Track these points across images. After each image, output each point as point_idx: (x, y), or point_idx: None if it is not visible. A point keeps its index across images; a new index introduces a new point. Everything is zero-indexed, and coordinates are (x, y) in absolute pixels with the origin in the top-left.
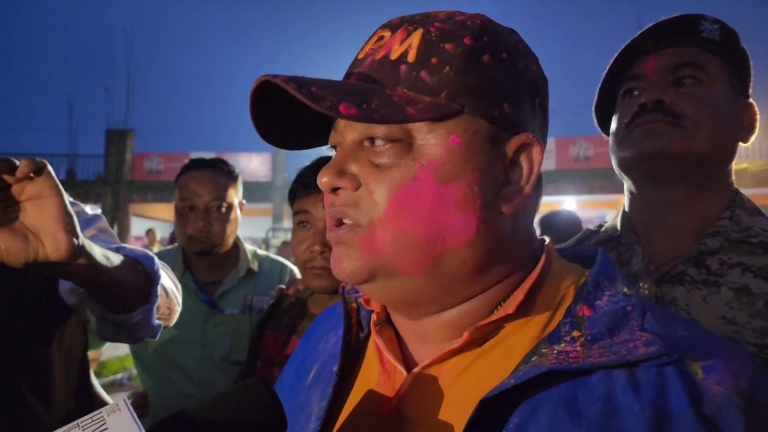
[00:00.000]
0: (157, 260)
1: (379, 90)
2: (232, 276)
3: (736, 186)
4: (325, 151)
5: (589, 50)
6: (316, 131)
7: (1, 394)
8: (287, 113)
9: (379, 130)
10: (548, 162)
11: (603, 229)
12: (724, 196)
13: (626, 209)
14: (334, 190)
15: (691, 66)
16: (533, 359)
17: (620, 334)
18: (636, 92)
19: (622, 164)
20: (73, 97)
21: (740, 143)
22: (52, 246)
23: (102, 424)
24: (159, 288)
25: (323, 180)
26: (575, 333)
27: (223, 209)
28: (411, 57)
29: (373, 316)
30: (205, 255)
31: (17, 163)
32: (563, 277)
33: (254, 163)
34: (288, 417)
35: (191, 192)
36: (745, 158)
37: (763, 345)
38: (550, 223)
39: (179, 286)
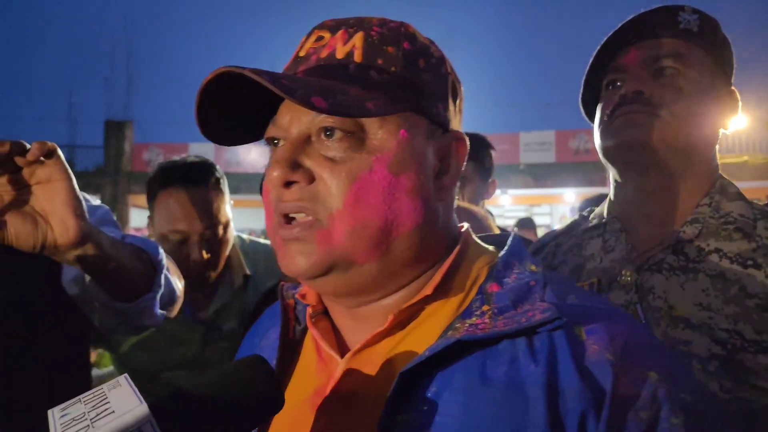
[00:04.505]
0: (161, 250)
1: (339, 86)
2: (225, 288)
3: (732, 177)
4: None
5: (589, 42)
6: (243, 128)
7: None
8: (224, 109)
9: (334, 123)
10: (548, 154)
11: (591, 216)
12: (706, 183)
13: (611, 198)
14: (287, 184)
15: (671, 57)
16: (448, 334)
17: (523, 306)
18: (618, 83)
19: (605, 154)
20: (72, 87)
21: (741, 138)
22: (61, 230)
23: (103, 399)
24: (163, 277)
25: (274, 174)
26: (484, 307)
27: (220, 233)
28: (357, 57)
29: (309, 309)
30: (202, 282)
31: (28, 146)
32: (477, 260)
33: (253, 153)
34: None
35: (180, 221)
36: (746, 151)
37: (734, 331)
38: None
39: (181, 276)
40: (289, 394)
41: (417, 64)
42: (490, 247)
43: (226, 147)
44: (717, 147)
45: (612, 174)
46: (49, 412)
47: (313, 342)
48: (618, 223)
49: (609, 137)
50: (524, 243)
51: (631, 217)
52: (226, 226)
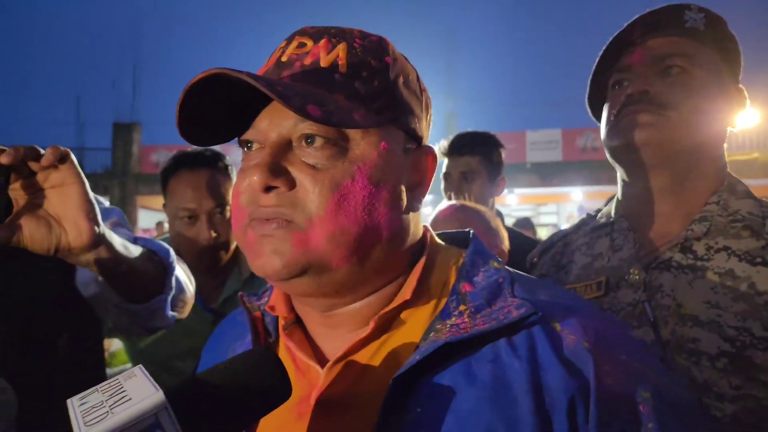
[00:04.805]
0: (172, 252)
1: (327, 95)
2: (234, 278)
3: (742, 175)
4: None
5: (597, 40)
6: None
7: (13, 381)
8: (204, 111)
9: (318, 131)
10: (555, 153)
11: (599, 215)
12: (714, 182)
13: (619, 197)
14: (267, 189)
15: (676, 56)
16: (431, 335)
17: (497, 303)
18: (624, 83)
19: (612, 153)
20: (80, 90)
21: (751, 135)
22: (74, 233)
23: (120, 388)
24: (174, 279)
25: (254, 178)
26: (461, 307)
27: (227, 213)
28: (342, 68)
29: (281, 321)
30: (210, 266)
31: (42, 151)
32: (446, 260)
33: None
34: None
35: (189, 199)
36: (756, 149)
37: (743, 328)
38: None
39: (192, 278)
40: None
41: (396, 79)
42: (452, 247)
43: (233, 149)
44: (725, 145)
45: (619, 173)
46: (69, 401)
47: (288, 353)
48: (626, 221)
49: (616, 137)
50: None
51: (638, 216)
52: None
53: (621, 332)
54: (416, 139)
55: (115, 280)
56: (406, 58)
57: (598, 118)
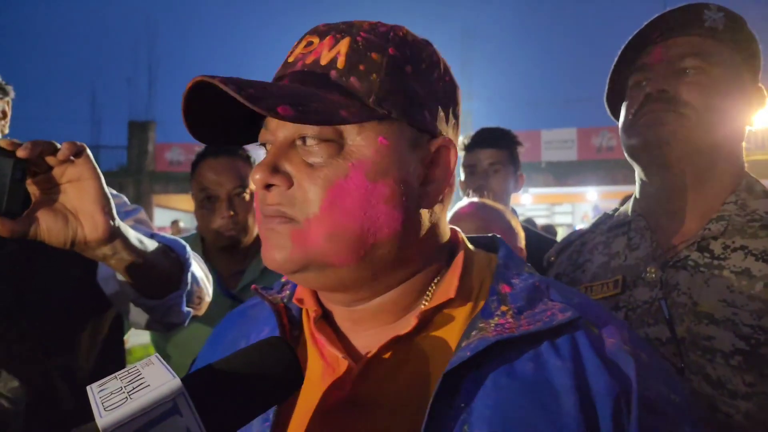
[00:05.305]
0: (189, 248)
1: (314, 93)
2: (254, 267)
3: (761, 175)
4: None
5: (614, 38)
6: (245, 129)
7: (30, 376)
8: (219, 112)
9: (311, 130)
10: (570, 152)
11: (616, 214)
12: (732, 181)
13: (637, 195)
14: (267, 186)
15: (695, 55)
16: (473, 334)
17: (537, 305)
18: (643, 83)
19: (630, 152)
20: (96, 88)
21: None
22: (90, 227)
23: (138, 375)
24: (189, 275)
25: (256, 177)
26: (503, 308)
27: (247, 196)
28: (340, 63)
29: (312, 314)
30: (232, 248)
31: (59, 146)
32: (480, 262)
33: None
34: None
35: (211, 181)
36: None
37: (758, 326)
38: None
39: (210, 276)
40: (299, 401)
41: (402, 70)
42: (479, 249)
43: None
44: (744, 144)
45: (637, 172)
46: (88, 388)
47: (315, 347)
48: (643, 220)
49: (634, 136)
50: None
51: (656, 215)
52: (253, 194)
53: (639, 336)
54: (428, 131)
55: (131, 275)
56: (426, 45)
57: (617, 117)
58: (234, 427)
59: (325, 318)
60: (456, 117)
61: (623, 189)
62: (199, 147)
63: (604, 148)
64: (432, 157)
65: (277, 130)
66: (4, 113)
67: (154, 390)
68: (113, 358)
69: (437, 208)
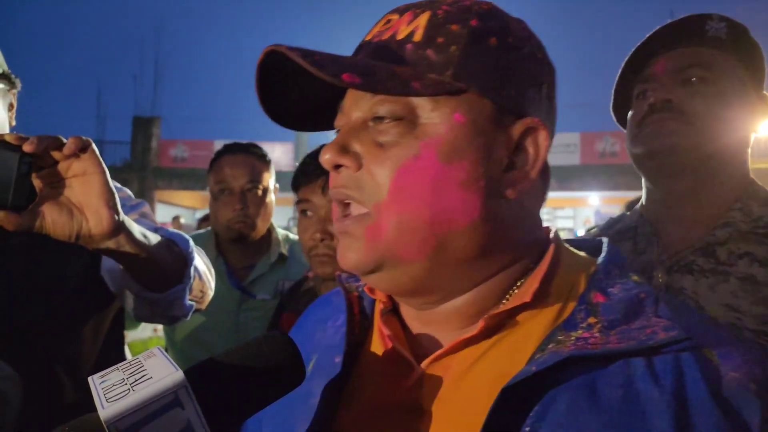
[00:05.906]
0: (191, 242)
1: (385, 66)
2: (264, 261)
3: (765, 183)
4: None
5: (618, 44)
6: (324, 116)
7: (33, 369)
8: (296, 92)
9: (384, 108)
10: (573, 157)
11: (623, 219)
12: (737, 188)
13: (643, 202)
14: (337, 167)
15: (699, 66)
16: (550, 347)
17: (636, 321)
18: (648, 93)
19: (636, 160)
20: (101, 84)
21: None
22: (95, 221)
23: (140, 367)
24: (192, 269)
25: (326, 157)
26: (591, 320)
27: (259, 192)
28: (417, 37)
29: (380, 306)
30: (241, 241)
31: (65, 141)
32: (573, 266)
33: (277, 152)
34: (285, 408)
35: (226, 175)
36: None
37: (761, 331)
38: None
39: (212, 270)
40: (357, 395)
41: (485, 43)
42: (581, 253)
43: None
44: (749, 151)
45: (644, 179)
46: (89, 379)
47: (382, 340)
48: (649, 226)
49: (639, 145)
50: (620, 251)
51: (662, 221)
52: (266, 191)
53: None
54: (514, 111)
55: (134, 268)
56: (517, 21)
57: (624, 125)
58: (236, 420)
59: (395, 311)
60: (550, 99)
61: (625, 194)
62: (203, 145)
63: (607, 153)
64: (518, 140)
65: (351, 111)
66: (12, 105)
67: (157, 382)
68: (115, 352)
69: (525, 198)
